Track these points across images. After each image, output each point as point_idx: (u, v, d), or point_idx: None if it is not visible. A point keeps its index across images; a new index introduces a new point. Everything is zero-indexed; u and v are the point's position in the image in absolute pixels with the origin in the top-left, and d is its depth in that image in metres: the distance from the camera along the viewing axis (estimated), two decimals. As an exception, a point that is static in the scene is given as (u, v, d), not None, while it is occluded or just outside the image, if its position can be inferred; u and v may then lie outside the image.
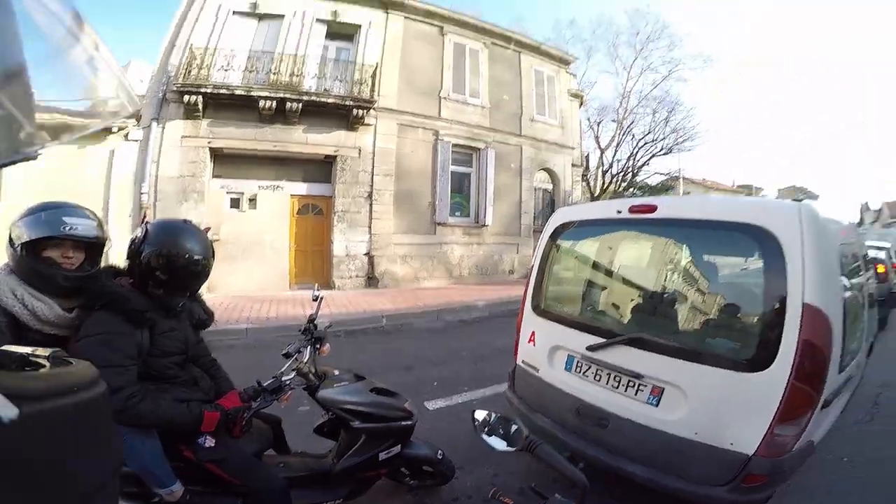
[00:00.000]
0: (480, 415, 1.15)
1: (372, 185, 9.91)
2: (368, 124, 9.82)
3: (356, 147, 9.80)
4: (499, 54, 12.35)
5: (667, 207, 2.19)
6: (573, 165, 14.25)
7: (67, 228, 1.41)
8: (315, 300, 2.33)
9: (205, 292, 1.90)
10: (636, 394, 2.14)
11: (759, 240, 1.83)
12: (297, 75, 9.05)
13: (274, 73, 8.92)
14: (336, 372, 2.13)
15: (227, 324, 6.07)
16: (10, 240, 1.41)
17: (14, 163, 0.36)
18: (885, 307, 6.57)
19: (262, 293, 8.69)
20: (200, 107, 8.45)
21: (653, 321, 2.29)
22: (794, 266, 1.71)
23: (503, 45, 12.46)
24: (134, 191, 8.39)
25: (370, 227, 9.99)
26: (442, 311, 7.68)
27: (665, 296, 2.34)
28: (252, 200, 9.35)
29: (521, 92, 12.53)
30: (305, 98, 8.89)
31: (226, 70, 8.71)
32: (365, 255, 10.00)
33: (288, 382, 1.82)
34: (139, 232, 1.57)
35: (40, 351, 0.45)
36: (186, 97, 8.31)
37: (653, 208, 2.19)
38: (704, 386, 1.91)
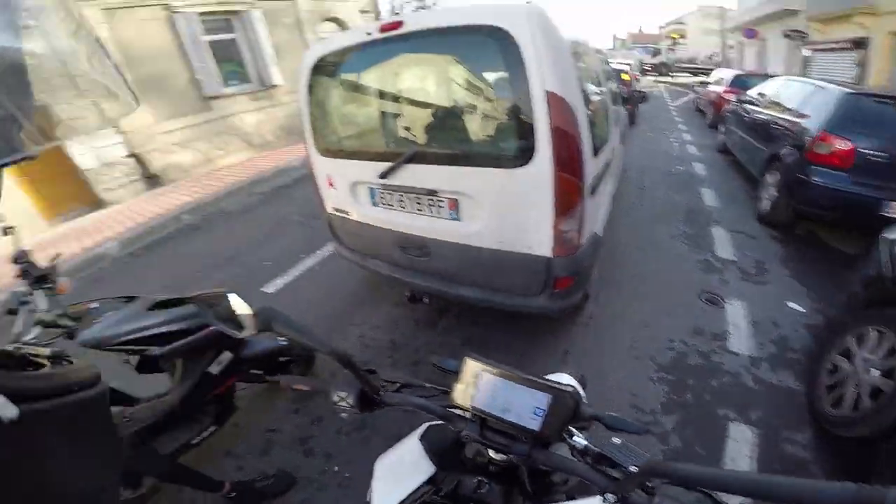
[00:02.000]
0: None
1: (93, 85, 7.56)
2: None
3: (50, 44, 6.97)
4: None
5: (412, 21, 2.10)
6: (362, 11, 13.12)
7: None
8: (6, 234, 1.66)
9: None
10: (438, 211, 2.18)
11: (496, 39, 1.86)
12: None
13: None
14: (93, 305, 1.69)
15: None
16: None
17: (14, 162, 0.36)
18: (632, 105, 7.71)
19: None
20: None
21: (431, 135, 2.26)
22: (529, 57, 1.77)
23: None
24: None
25: (118, 126, 7.92)
26: (254, 183, 7.05)
27: (433, 108, 2.28)
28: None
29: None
30: None
31: None
32: (128, 156, 8.09)
33: (36, 340, 1.33)
34: None
35: (41, 351, 0.47)
36: None
37: (398, 24, 2.09)
38: (488, 190, 1.97)
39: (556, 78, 1.78)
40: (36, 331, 1.40)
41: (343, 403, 0.79)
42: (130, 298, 1.75)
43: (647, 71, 32.44)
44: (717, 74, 12.15)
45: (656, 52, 34.85)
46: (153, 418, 1.73)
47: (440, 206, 2.19)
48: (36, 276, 1.56)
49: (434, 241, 2.25)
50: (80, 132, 0.49)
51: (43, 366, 0.43)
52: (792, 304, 3.06)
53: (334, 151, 2.56)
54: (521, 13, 1.83)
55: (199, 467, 1.83)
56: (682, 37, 42.21)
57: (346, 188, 2.54)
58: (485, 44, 1.94)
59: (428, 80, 2.31)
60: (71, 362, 0.45)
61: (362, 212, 2.54)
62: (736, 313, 2.98)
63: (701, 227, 4.28)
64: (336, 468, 2.01)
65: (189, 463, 1.80)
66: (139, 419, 1.73)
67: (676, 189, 5.38)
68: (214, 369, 1.84)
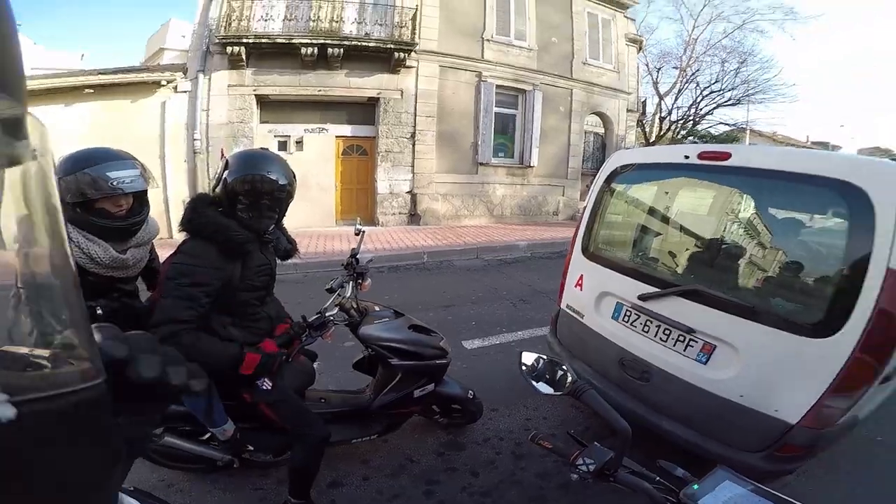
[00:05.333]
0: (528, 358, 1.13)
1: (415, 126, 10.12)
2: (410, 67, 9.86)
3: (398, 89, 9.94)
4: (548, -5, 11.51)
5: (742, 156, 2.03)
6: (628, 111, 13.63)
7: (115, 183, 1.42)
8: (357, 234, 2.29)
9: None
10: (685, 349, 2.08)
11: (846, 197, 1.67)
12: (337, 21, 9.09)
13: (314, 20, 8.99)
14: (377, 308, 2.16)
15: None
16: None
17: (13, 163, 0.34)
18: None
19: (310, 230, 9.03)
20: (244, 57, 8.76)
21: (710, 273, 2.19)
22: (884, 228, 1.56)
23: (553, -14, 11.50)
24: (187, 138, 8.85)
25: (413, 167, 10.22)
26: (482, 249, 7.71)
27: (726, 248, 2.22)
28: (299, 143, 9.73)
29: (573, 35, 11.90)
30: (346, 43, 8.98)
31: (265, 20, 8.87)
32: (407, 192, 10.26)
33: (332, 318, 1.83)
34: (222, 164, 1.57)
35: (39, 351, 0.44)
36: (230, 48, 8.58)
37: (726, 155, 2.03)
38: (760, 347, 1.85)
39: None
40: (335, 310, 1.88)
41: (583, 468, 0.90)
42: (399, 314, 2.18)
43: None
44: None
45: None
46: (343, 408, 2.08)
47: (691, 346, 2.06)
48: (355, 271, 2.09)
49: (662, 371, 2.13)
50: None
51: (43, 366, 0.42)
52: None
53: (599, 257, 2.59)
54: (889, 174, 1.63)
55: (335, 461, 2.04)
56: None
57: (593, 294, 2.55)
58: (825, 199, 1.79)
59: (734, 220, 2.18)
60: (71, 363, 0.45)
61: (598, 321, 2.50)
62: None
63: None
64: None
65: (332, 455, 1.98)
66: (333, 404, 2.08)
67: None
68: (417, 393, 2.08)
